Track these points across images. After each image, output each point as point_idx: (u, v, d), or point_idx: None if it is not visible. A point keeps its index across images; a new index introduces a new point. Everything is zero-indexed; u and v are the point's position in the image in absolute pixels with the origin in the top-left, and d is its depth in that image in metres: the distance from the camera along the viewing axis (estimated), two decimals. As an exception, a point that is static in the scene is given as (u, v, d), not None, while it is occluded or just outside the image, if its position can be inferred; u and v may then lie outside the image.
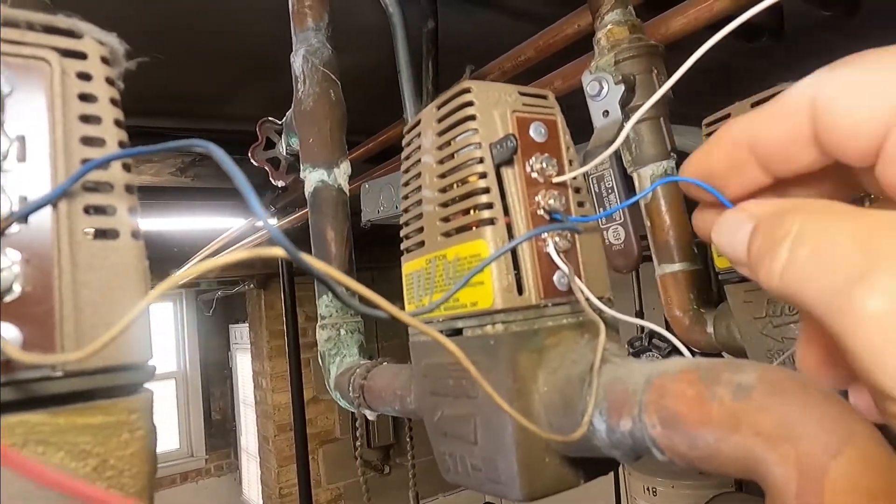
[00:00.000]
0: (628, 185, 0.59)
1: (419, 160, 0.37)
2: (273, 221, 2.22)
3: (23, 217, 0.20)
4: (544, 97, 0.35)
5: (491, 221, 0.32)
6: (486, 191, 0.32)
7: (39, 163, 0.20)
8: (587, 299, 0.31)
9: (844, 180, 0.22)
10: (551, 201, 0.32)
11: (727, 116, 0.48)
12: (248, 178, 0.19)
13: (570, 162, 0.35)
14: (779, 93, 0.21)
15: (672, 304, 0.59)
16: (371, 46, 1.27)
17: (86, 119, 0.22)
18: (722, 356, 0.61)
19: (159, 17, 1.15)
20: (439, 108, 0.35)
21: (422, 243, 0.37)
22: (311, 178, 0.59)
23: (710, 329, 0.57)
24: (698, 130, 0.54)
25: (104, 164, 0.21)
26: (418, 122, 0.38)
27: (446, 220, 0.34)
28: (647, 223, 0.60)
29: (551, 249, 0.32)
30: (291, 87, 0.62)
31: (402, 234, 0.39)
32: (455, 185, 0.34)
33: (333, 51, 0.61)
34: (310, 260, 0.18)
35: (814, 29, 1.20)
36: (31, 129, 0.20)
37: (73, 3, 0.23)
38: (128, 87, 0.24)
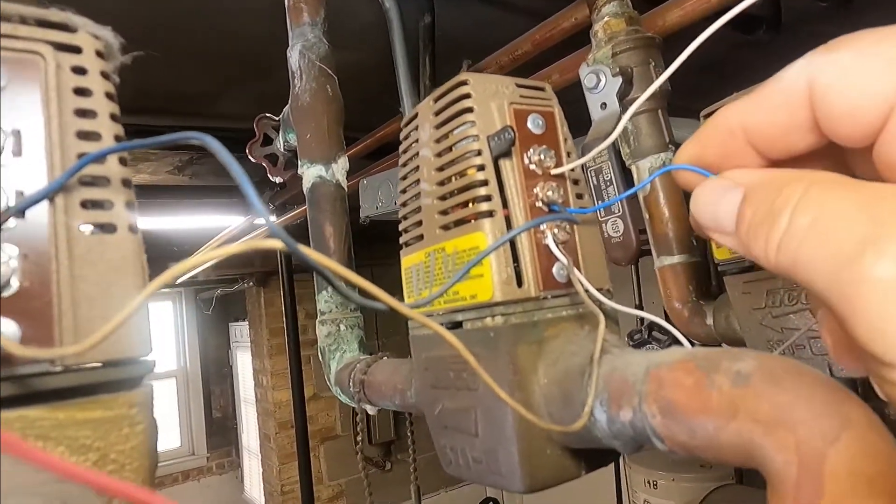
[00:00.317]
0: (627, 178, 0.59)
1: (417, 154, 0.37)
2: (272, 218, 2.22)
3: (20, 212, 0.20)
4: (542, 89, 0.35)
5: (489, 214, 0.32)
6: (485, 183, 0.32)
7: (35, 157, 0.20)
8: (586, 291, 0.31)
9: (838, 160, 0.22)
10: (549, 193, 0.32)
11: (725, 108, 0.48)
12: (250, 174, 0.19)
13: (569, 154, 0.35)
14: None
15: (671, 297, 0.59)
16: (367, 42, 1.26)
17: (81, 113, 0.22)
18: (722, 347, 0.62)
19: (152, 15, 1.14)
20: (436, 100, 0.35)
21: (420, 237, 0.37)
22: (309, 173, 0.59)
23: (709, 321, 0.57)
24: (697, 123, 0.54)
25: (100, 158, 0.21)
26: (415, 116, 0.38)
27: (445, 213, 0.34)
28: (646, 215, 0.60)
29: (550, 241, 0.32)
30: (285, 86, 0.62)
31: (400, 227, 0.39)
32: (453, 178, 0.34)
33: (330, 46, 0.61)
34: (308, 252, 0.18)
35: (810, 20, 1.20)
36: (27, 124, 0.20)
37: (64, 4, 0.23)
38: (120, 86, 0.24)
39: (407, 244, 0.38)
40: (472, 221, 0.32)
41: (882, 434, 0.19)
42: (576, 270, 0.32)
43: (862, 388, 0.40)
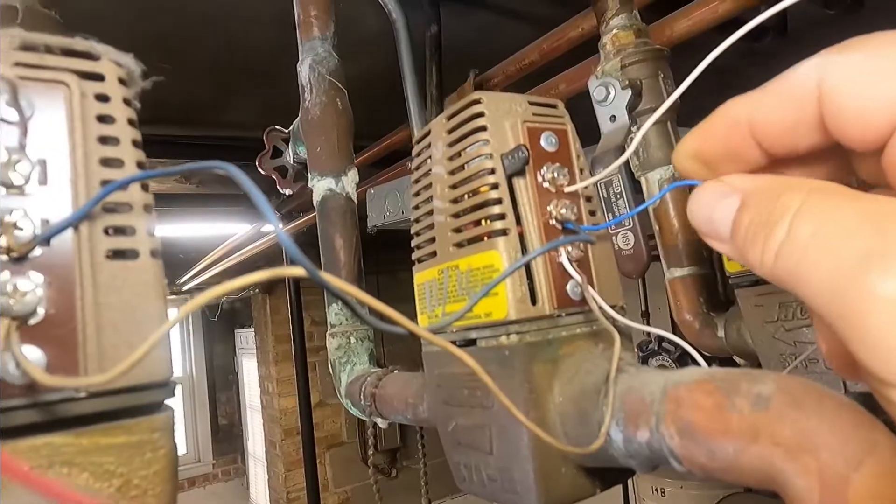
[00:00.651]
0: (636, 190, 0.59)
1: (430, 171, 0.37)
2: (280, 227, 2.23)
3: (45, 240, 0.20)
4: (554, 106, 0.35)
5: (503, 232, 0.32)
6: (499, 201, 0.32)
7: (60, 185, 0.21)
8: (601, 308, 0.31)
9: (842, 163, 0.22)
10: (563, 211, 0.32)
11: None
12: (256, 183, 0.19)
13: (581, 171, 0.35)
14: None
15: (682, 309, 0.59)
16: (373, 51, 1.27)
17: (104, 140, 0.22)
18: (733, 360, 0.61)
19: (162, 26, 1.15)
20: (449, 118, 0.35)
21: (434, 253, 0.37)
22: (320, 186, 0.59)
23: (720, 333, 0.57)
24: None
25: (124, 185, 0.21)
26: (428, 133, 0.38)
27: (458, 230, 0.34)
28: (656, 227, 0.60)
29: (564, 259, 0.32)
30: (293, 95, 0.62)
31: (413, 244, 0.39)
32: (466, 196, 0.34)
33: (340, 60, 0.61)
34: (329, 279, 0.18)
35: (817, 27, 1.20)
36: (52, 152, 0.21)
37: (74, 15, 0.23)
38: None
39: (420, 260, 0.39)
40: (486, 239, 0.32)
41: (905, 459, 0.19)
42: (590, 288, 0.32)
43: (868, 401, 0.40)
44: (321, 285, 0.18)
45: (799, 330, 0.45)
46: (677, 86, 0.27)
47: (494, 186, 0.32)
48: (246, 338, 4.22)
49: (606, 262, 0.34)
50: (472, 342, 0.33)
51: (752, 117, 0.21)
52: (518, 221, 0.32)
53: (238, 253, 2.56)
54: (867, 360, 0.16)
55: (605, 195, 0.58)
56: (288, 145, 0.71)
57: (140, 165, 0.22)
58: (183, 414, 4.44)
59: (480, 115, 0.33)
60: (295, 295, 2.59)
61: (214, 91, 1.52)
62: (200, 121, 1.69)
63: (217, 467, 4.56)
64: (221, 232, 2.61)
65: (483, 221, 0.33)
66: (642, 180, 0.59)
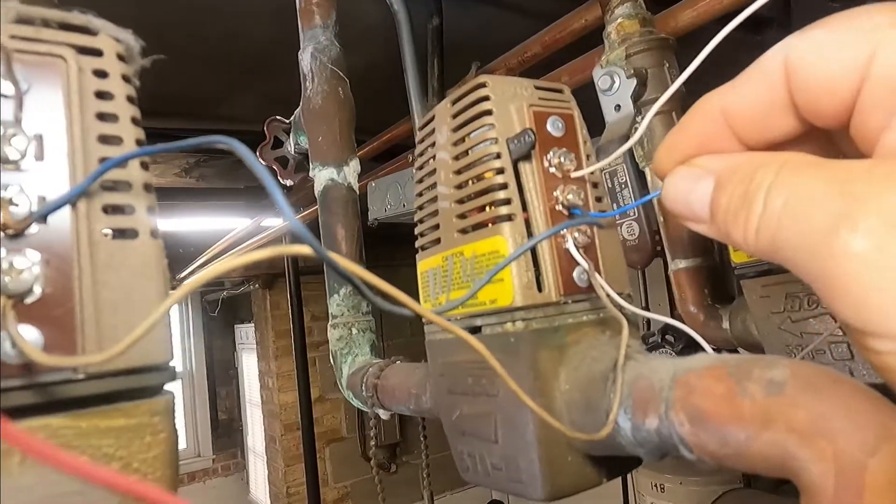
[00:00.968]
0: (641, 180, 0.59)
1: (434, 157, 0.37)
2: (279, 221, 2.22)
3: (42, 217, 0.19)
4: (560, 91, 0.35)
5: (509, 217, 0.31)
6: (504, 186, 0.31)
7: (57, 162, 0.20)
8: (608, 295, 0.31)
9: (820, 148, 0.22)
10: (570, 196, 0.32)
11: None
12: (255, 177, 0.18)
13: (588, 156, 0.34)
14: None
15: (686, 300, 0.59)
16: (374, 44, 1.26)
17: (103, 117, 0.21)
18: (738, 352, 0.61)
19: (160, 18, 1.14)
20: (454, 103, 0.35)
21: (438, 240, 0.36)
22: (321, 176, 0.59)
23: (725, 325, 0.56)
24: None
25: (122, 162, 0.21)
26: (432, 118, 0.37)
27: (463, 216, 0.34)
28: (661, 218, 0.59)
29: (571, 245, 0.31)
30: (293, 88, 0.62)
31: (416, 231, 0.39)
32: (471, 182, 0.33)
33: (341, 48, 0.61)
34: (336, 258, 0.18)
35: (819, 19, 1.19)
36: (49, 128, 0.20)
37: (71, 4, 0.23)
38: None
39: (423, 248, 0.38)
40: (491, 225, 0.32)
41: (922, 445, 0.18)
42: (597, 275, 0.31)
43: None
44: (328, 264, 0.17)
45: (805, 321, 0.45)
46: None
47: (500, 171, 0.32)
48: (246, 333, 4.21)
49: (613, 249, 0.34)
50: (478, 329, 0.33)
51: (726, 106, 0.21)
52: (524, 207, 0.31)
53: (238, 248, 2.56)
54: (843, 314, 0.16)
55: (610, 185, 0.58)
56: (289, 135, 0.70)
57: (139, 143, 0.22)
58: (183, 409, 4.44)
59: (485, 98, 0.33)
60: (295, 290, 2.59)
61: (214, 84, 1.51)
62: (200, 114, 1.68)
63: (217, 462, 4.56)
64: (221, 227, 2.60)
65: (488, 207, 0.32)
66: (646, 170, 0.59)
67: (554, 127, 0.33)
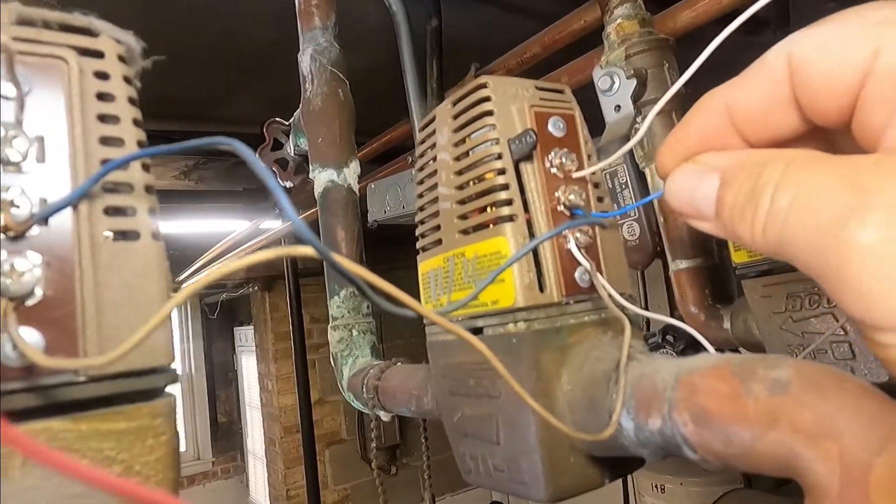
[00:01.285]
0: (641, 181, 0.59)
1: (435, 157, 0.37)
2: (278, 223, 2.21)
3: (43, 219, 0.19)
4: (561, 91, 0.35)
5: (510, 218, 0.31)
6: (506, 187, 0.31)
7: (59, 164, 0.20)
8: (610, 296, 0.31)
9: (821, 149, 0.22)
10: (572, 196, 0.32)
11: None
12: (255, 178, 0.18)
13: (589, 157, 0.34)
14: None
15: (687, 301, 0.59)
16: (373, 45, 1.26)
17: (104, 119, 0.21)
18: (739, 352, 0.61)
19: (158, 20, 1.14)
20: (455, 104, 0.35)
21: (439, 241, 0.36)
22: (321, 178, 0.59)
23: (726, 325, 0.56)
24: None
25: (124, 164, 0.21)
26: (433, 119, 0.37)
27: (464, 217, 0.34)
28: (661, 218, 0.59)
29: (573, 246, 0.31)
30: (292, 90, 0.62)
31: (417, 232, 0.39)
32: (472, 182, 0.33)
33: (341, 50, 0.61)
34: (340, 259, 0.18)
35: (818, 20, 1.19)
36: (50, 130, 0.20)
37: (70, 2, 0.23)
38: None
39: (424, 249, 0.38)
40: (493, 226, 0.32)
41: (928, 445, 0.18)
42: (599, 275, 0.31)
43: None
44: (331, 265, 0.17)
45: (807, 320, 0.45)
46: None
47: (501, 172, 0.32)
48: (245, 335, 4.21)
49: (615, 249, 0.34)
50: (479, 330, 0.33)
51: (729, 102, 0.21)
52: (525, 208, 0.31)
53: (237, 250, 2.55)
54: (852, 307, 0.16)
55: (611, 185, 0.58)
56: (288, 137, 0.70)
57: (141, 145, 0.22)
58: (182, 412, 4.43)
59: (486, 99, 0.33)
60: (294, 292, 2.58)
61: (214, 86, 1.51)
62: (199, 116, 1.68)
63: (216, 465, 4.55)
64: (220, 229, 2.60)
65: (489, 208, 0.32)
66: (647, 171, 0.59)
67: (555, 127, 0.33)
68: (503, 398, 0.31)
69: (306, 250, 0.17)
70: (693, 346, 0.33)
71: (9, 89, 0.19)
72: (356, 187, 0.60)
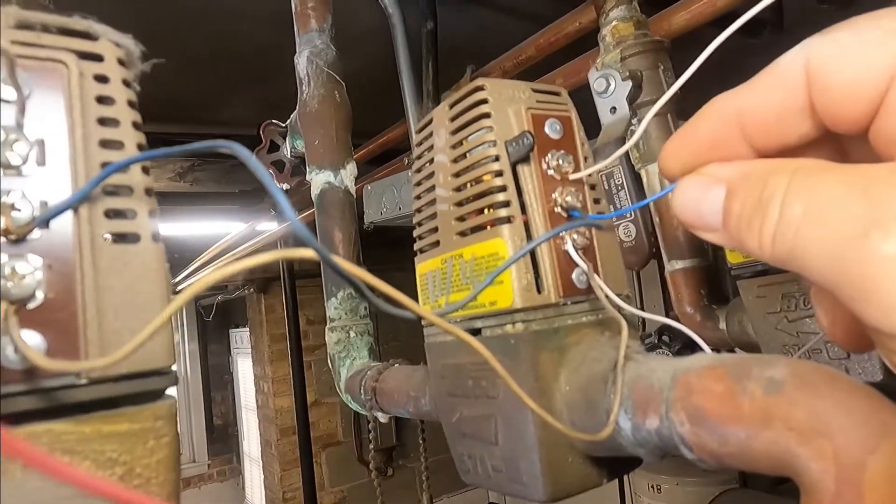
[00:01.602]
0: (637, 182, 0.59)
1: (432, 159, 0.37)
2: (274, 225, 2.21)
3: (44, 222, 0.19)
4: (557, 94, 0.35)
5: (508, 219, 0.31)
6: (503, 189, 0.31)
7: (59, 167, 0.20)
8: (607, 296, 0.31)
9: (832, 154, 0.22)
10: (569, 198, 0.32)
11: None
12: (251, 181, 0.18)
13: (585, 158, 0.34)
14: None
15: (683, 301, 0.59)
16: (369, 47, 1.26)
17: (104, 122, 0.21)
18: (735, 352, 0.61)
19: (152, 22, 1.14)
20: (452, 106, 0.35)
21: (437, 243, 0.36)
22: (318, 179, 0.59)
23: (722, 325, 0.56)
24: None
25: (124, 167, 0.21)
26: (430, 122, 0.37)
27: (462, 219, 0.34)
28: (657, 219, 0.60)
29: (570, 247, 0.31)
30: (286, 91, 0.62)
31: (415, 234, 0.39)
32: (470, 184, 0.33)
33: (337, 52, 0.61)
34: (339, 261, 0.18)
35: (812, 22, 1.20)
36: (50, 133, 0.20)
37: (66, 8, 0.23)
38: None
39: (422, 250, 0.38)
40: (490, 227, 0.32)
41: (921, 442, 0.19)
42: (596, 276, 0.32)
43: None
44: (330, 266, 0.17)
45: (802, 320, 0.45)
46: (678, 78, 0.27)
47: (499, 174, 0.32)
48: (241, 337, 4.20)
49: (611, 250, 0.34)
50: (478, 331, 0.33)
51: (739, 110, 0.21)
52: (523, 209, 0.32)
53: (234, 252, 2.55)
54: (873, 318, 0.16)
55: (607, 187, 0.58)
56: (285, 139, 0.70)
57: (140, 147, 0.22)
58: (178, 414, 4.41)
59: (484, 101, 0.33)
60: (290, 294, 2.58)
61: (210, 88, 1.51)
62: (196, 118, 1.68)
63: (212, 468, 4.54)
64: (216, 231, 2.59)
65: (487, 209, 0.32)
66: (642, 172, 0.59)
67: (552, 129, 0.33)
68: (501, 398, 0.32)
69: (306, 252, 0.17)
70: (689, 347, 0.33)
71: (9, 93, 0.19)
72: (353, 189, 0.60)
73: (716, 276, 0.60)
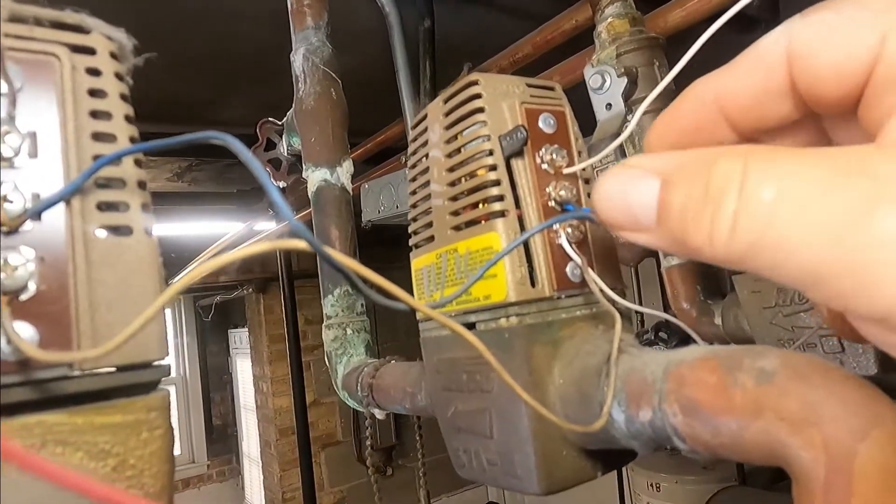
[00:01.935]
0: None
1: (427, 155, 0.37)
2: (272, 224, 2.21)
3: (36, 214, 0.19)
4: (552, 88, 0.35)
5: (502, 214, 0.31)
6: (497, 183, 0.32)
7: (51, 159, 0.20)
8: (601, 290, 0.31)
9: (813, 136, 0.21)
10: (562, 192, 0.32)
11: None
12: (249, 180, 0.18)
13: (580, 153, 0.34)
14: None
15: (679, 297, 0.59)
16: (366, 46, 1.26)
17: (96, 115, 0.21)
18: (730, 347, 0.61)
19: (150, 22, 1.14)
20: (446, 101, 0.35)
21: (431, 238, 0.36)
22: (314, 177, 0.59)
23: (717, 320, 0.57)
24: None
25: (116, 160, 0.21)
26: (425, 117, 0.37)
27: (456, 213, 0.34)
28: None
29: (564, 241, 0.32)
30: (284, 92, 0.62)
31: (410, 229, 0.39)
32: (464, 179, 0.34)
33: (333, 49, 0.61)
34: (332, 252, 0.18)
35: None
36: (43, 126, 0.20)
37: (64, 3, 0.23)
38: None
39: (417, 245, 0.38)
40: (485, 222, 0.32)
41: (911, 430, 0.19)
42: (590, 270, 0.32)
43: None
44: (323, 257, 0.18)
45: (796, 315, 0.45)
46: (673, 75, 0.27)
47: (492, 168, 0.32)
48: (240, 338, 4.20)
49: (606, 244, 0.34)
50: (472, 326, 0.33)
51: (719, 91, 0.20)
52: (517, 203, 0.32)
53: (231, 252, 2.54)
54: (879, 307, 0.15)
55: (602, 183, 0.58)
56: (281, 137, 0.70)
57: (133, 140, 0.22)
58: (177, 415, 4.41)
59: (478, 96, 0.33)
60: (289, 293, 2.58)
61: (207, 87, 1.51)
62: (193, 117, 1.68)
63: (211, 468, 4.53)
64: (214, 231, 2.59)
65: (481, 204, 0.32)
66: (638, 169, 0.59)
67: (546, 124, 0.34)
68: (496, 392, 0.32)
69: (299, 243, 0.17)
70: (685, 343, 0.33)
71: (2, 86, 0.19)
72: (349, 186, 0.60)
73: (711, 272, 0.60)
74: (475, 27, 1.29)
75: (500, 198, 0.31)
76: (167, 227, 2.45)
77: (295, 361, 2.55)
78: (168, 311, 4.45)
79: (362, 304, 0.59)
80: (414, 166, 0.39)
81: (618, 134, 0.56)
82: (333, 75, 0.60)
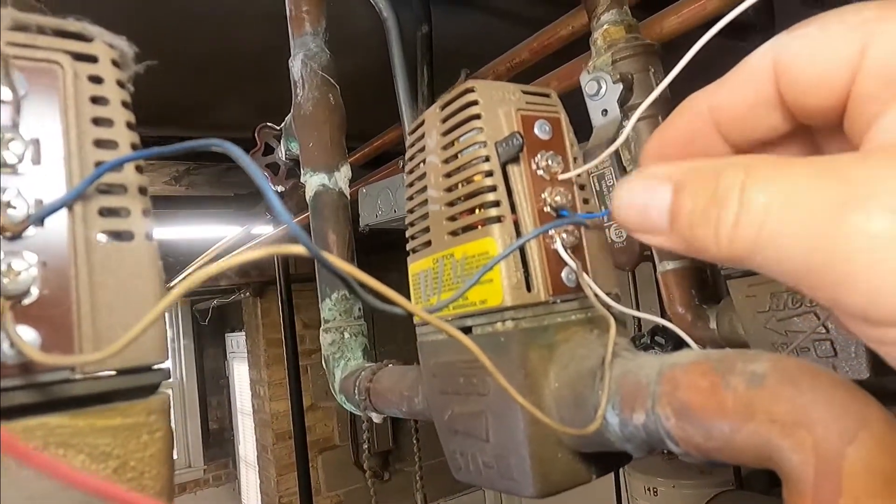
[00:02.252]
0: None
1: (424, 160, 0.37)
2: (269, 228, 2.21)
3: (39, 220, 0.20)
4: (547, 95, 0.36)
5: (498, 219, 0.32)
6: (493, 189, 0.32)
7: (54, 166, 0.21)
8: (596, 295, 0.31)
9: (806, 147, 0.22)
10: (558, 198, 0.33)
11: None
12: (246, 184, 0.19)
13: (575, 159, 0.35)
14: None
15: (674, 301, 0.60)
16: (363, 51, 1.27)
17: (98, 122, 0.22)
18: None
19: (148, 25, 1.15)
20: (443, 108, 0.36)
21: (428, 243, 0.37)
22: (312, 182, 0.59)
23: (712, 325, 0.57)
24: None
25: (117, 166, 0.21)
26: (422, 123, 0.38)
27: (453, 219, 0.34)
28: (648, 221, 0.60)
29: (559, 246, 0.32)
30: (282, 95, 0.62)
31: (407, 234, 0.39)
32: (461, 185, 0.34)
33: (332, 55, 0.61)
34: (329, 257, 0.18)
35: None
36: (46, 133, 0.21)
37: (64, 8, 0.23)
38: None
39: (414, 251, 0.39)
40: (481, 227, 0.32)
41: (899, 432, 0.19)
42: (585, 275, 0.32)
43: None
44: (320, 262, 0.18)
45: (790, 319, 0.46)
46: (668, 82, 0.27)
47: (489, 174, 0.32)
48: (237, 342, 4.19)
49: (601, 249, 0.35)
50: (468, 330, 0.33)
51: (712, 104, 0.21)
52: (513, 209, 0.32)
53: (229, 255, 2.55)
54: (855, 303, 0.16)
55: (598, 188, 0.59)
56: (279, 142, 0.70)
57: (134, 147, 0.22)
58: (174, 419, 4.39)
59: (474, 103, 0.33)
60: (286, 297, 2.58)
61: (205, 91, 1.51)
62: (191, 122, 1.68)
63: (208, 472, 4.52)
64: (212, 235, 2.59)
65: (477, 209, 0.33)
66: (634, 174, 0.59)
67: (541, 130, 0.34)
68: (492, 395, 0.32)
69: (296, 248, 0.18)
70: (681, 347, 0.34)
71: (5, 93, 0.20)
72: (347, 191, 0.61)
73: (707, 277, 0.61)
74: (472, 32, 1.30)
75: (496, 203, 0.32)
76: (164, 231, 2.45)
77: (292, 365, 2.54)
78: (165, 315, 4.42)
79: (360, 309, 0.59)
80: (411, 172, 0.39)
81: (613, 139, 0.57)
82: (331, 81, 0.60)
